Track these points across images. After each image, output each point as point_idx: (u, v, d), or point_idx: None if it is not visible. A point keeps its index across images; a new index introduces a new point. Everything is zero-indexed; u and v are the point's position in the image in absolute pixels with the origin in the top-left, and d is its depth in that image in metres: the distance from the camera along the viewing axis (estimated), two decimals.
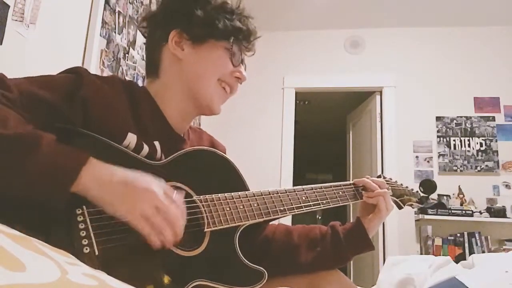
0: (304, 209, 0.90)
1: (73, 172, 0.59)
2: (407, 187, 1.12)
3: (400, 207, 1.07)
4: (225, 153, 1.00)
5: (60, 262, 0.43)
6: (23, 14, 1.43)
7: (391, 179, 1.10)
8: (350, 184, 1.00)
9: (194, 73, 0.87)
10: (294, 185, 0.93)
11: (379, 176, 1.08)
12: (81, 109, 0.71)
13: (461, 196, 3.22)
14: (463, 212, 3.05)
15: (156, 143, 0.82)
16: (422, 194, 1.13)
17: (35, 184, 0.58)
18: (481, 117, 3.41)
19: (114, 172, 0.63)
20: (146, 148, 0.79)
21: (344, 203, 0.96)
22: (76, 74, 0.76)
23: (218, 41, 0.87)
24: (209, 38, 0.87)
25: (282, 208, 0.87)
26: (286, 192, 0.90)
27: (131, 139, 0.77)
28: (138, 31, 2.30)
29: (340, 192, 0.97)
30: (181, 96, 0.88)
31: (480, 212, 3.08)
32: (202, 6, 0.87)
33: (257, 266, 0.79)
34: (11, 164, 0.57)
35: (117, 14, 2.09)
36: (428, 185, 1.14)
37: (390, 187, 1.03)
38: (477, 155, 3.34)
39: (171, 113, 0.88)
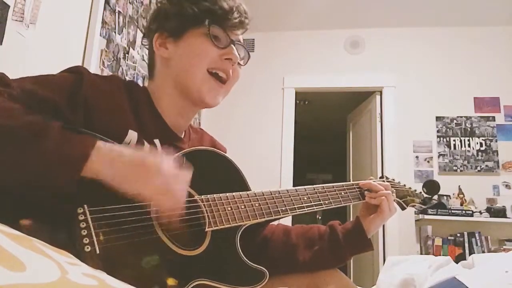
0: (306, 209, 0.90)
1: (83, 156, 0.60)
2: (410, 188, 1.12)
3: (403, 208, 1.07)
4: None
5: (60, 262, 0.43)
6: (23, 14, 1.43)
7: (393, 180, 1.10)
8: (353, 185, 1.00)
9: (181, 68, 0.87)
10: (294, 185, 0.93)
11: (381, 177, 1.07)
12: (82, 108, 0.72)
13: (461, 196, 3.22)
14: (463, 212, 3.05)
15: (157, 141, 0.83)
16: (425, 195, 1.13)
17: (46, 169, 0.58)
18: (481, 117, 3.41)
19: (122, 152, 0.65)
20: (147, 146, 0.79)
21: (347, 203, 0.96)
22: (77, 74, 0.76)
23: (195, 28, 0.85)
24: (186, 28, 0.86)
25: (283, 208, 0.87)
26: (288, 192, 0.90)
27: (132, 136, 0.77)
28: (138, 31, 2.30)
29: (343, 193, 0.97)
30: (173, 93, 0.88)
31: (480, 212, 3.08)
32: (170, 1, 0.89)
33: (259, 266, 0.79)
34: (21, 152, 0.58)
35: (117, 14, 2.09)
36: (431, 186, 1.14)
37: (393, 189, 1.03)
38: (477, 155, 3.34)
39: (167, 112, 0.88)
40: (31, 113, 0.63)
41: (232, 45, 0.87)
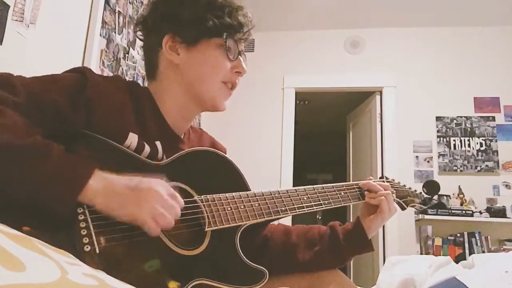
0: (305, 209, 0.90)
1: (80, 183, 0.61)
2: (410, 188, 1.12)
3: (403, 208, 1.07)
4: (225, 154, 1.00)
5: (60, 262, 0.43)
6: (23, 14, 1.43)
7: (393, 180, 1.10)
8: (352, 185, 1.00)
9: (195, 77, 0.87)
10: (294, 185, 0.93)
11: (381, 177, 1.07)
12: (85, 110, 0.72)
13: (461, 196, 3.22)
14: (463, 212, 3.05)
15: (158, 143, 0.83)
16: (425, 196, 1.13)
17: (44, 192, 0.59)
18: (481, 117, 3.41)
19: (117, 180, 0.65)
20: (147, 148, 0.80)
21: (346, 204, 0.96)
22: (81, 74, 0.76)
23: (211, 39, 0.86)
24: (202, 38, 0.86)
25: (283, 208, 0.87)
26: (288, 192, 0.90)
27: (133, 139, 0.77)
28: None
29: (342, 193, 0.97)
30: (181, 97, 0.88)
31: (480, 212, 3.08)
32: (189, 6, 0.86)
33: (258, 266, 0.79)
34: (21, 173, 0.59)
35: (117, 14, 2.09)
36: (431, 186, 1.14)
37: (393, 189, 1.03)
38: (477, 155, 3.34)
39: (170, 114, 0.88)
40: (34, 130, 0.63)
41: (240, 56, 0.89)
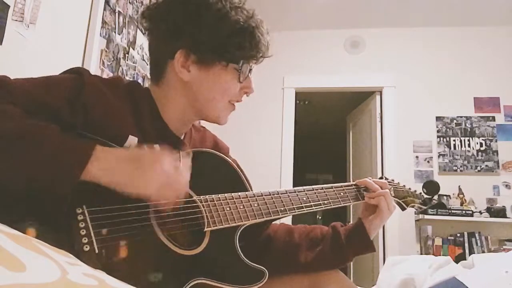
0: (304, 209, 0.90)
1: (81, 162, 0.61)
2: (409, 188, 1.12)
3: (403, 209, 1.07)
4: (228, 153, 1.00)
5: (60, 262, 0.43)
6: (23, 14, 1.43)
7: (393, 180, 1.10)
8: (351, 185, 1.00)
9: (203, 96, 0.85)
10: (294, 185, 0.93)
11: (381, 178, 1.08)
12: (82, 112, 0.72)
13: (461, 196, 3.22)
14: (463, 212, 3.05)
15: (157, 147, 0.82)
16: (425, 196, 1.13)
17: (44, 174, 0.59)
18: (481, 117, 3.41)
19: (119, 154, 0.66)
20: None
21: (346, 204, 0.96)
22: (78, 75, 0.76)
23: (227, 64, 0.83)
24: (218, 61, 0.83)
25: (282, 208, 0.87)
26: (287, 193, 0.90)
27: (132, 141, 0.77)
28: (138, 31, 2.30)
29: (342, 193, 0.97)
30: (185, 108, 0.87)
31: (480, 212, 3.08)
32: (211, 28, 0.81)
33: (258, 265, 0.79)
34: (19, 155, 0.59)
35: (117, 14, 2.09)
36: (431, 186, 1.14)
37: (392, 188, 1.03)
38: (477, 155, 3.34)
39: (170, 119, 0.87)
40: (30, 118, 0.63)
41: (250, 75, 0.88)
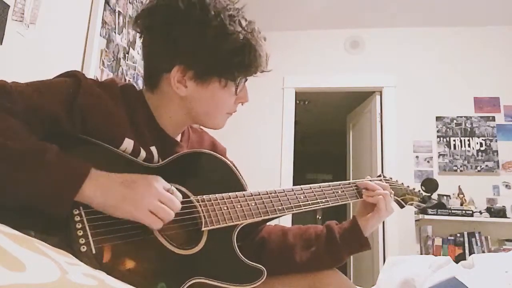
0: (302, 208, 0.90)
1: (76, 184, 0.63)
2: (408, 186, 1.12)
3: (401, 206, 1.07)
4: (225, 155, 0.99)
5: (60, 262, 0.43)
6: (23, 14, 1.43)
7: (391, 178, 1.09)
8: (349, 184, 1.00)
9: (200, 110, 0.86)
10: (294, 185, 0.93)
11: (379, 176, 1.07)
12: (79, 116, 0.72)
13: (461, 196, 3.22)
14: (463, 212, 3.05)
15: (153, 149, 0.83)
16: (424, 194, 1.13)
17: (41, 195, 0.61)
18: (481, 117, 3.41)
19: (113, 178, 0.67)
20: (143, 153, 0.80)
21: (344, 202, 0.96)
22: (74, 79, 0.76)
23: (226, 81, 0.83)
24: (215, 77, 0.82)
25: (280, 207, 0.87)
26: (284, 192, 0.90)
27: (128, 144, 0.77)
28: None
29: (340, 191, 0.97)
30: (180, 116, 0.87)
31: (480, 212, 3.08)
32: (211, 44, 0.79)
33: (256, 264, 0.79)
34: (18, 175, 0.60)
35: (117, 14, 2.09)
36: (429, 184, 1.14)
37: (391, 187, 1.03)
38: (477, 155, 3.34)
39: (166, 124, 0.87)
40: (31, 134, 0.64)
41: (245, 85, 0.89)
